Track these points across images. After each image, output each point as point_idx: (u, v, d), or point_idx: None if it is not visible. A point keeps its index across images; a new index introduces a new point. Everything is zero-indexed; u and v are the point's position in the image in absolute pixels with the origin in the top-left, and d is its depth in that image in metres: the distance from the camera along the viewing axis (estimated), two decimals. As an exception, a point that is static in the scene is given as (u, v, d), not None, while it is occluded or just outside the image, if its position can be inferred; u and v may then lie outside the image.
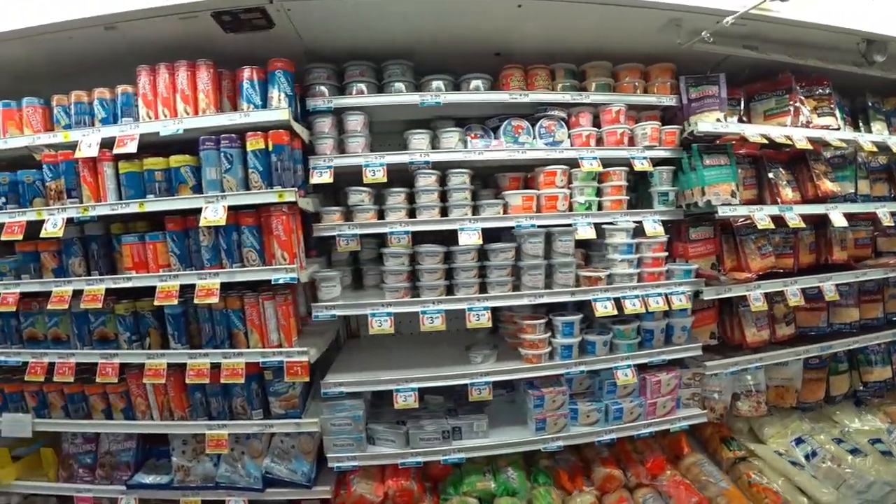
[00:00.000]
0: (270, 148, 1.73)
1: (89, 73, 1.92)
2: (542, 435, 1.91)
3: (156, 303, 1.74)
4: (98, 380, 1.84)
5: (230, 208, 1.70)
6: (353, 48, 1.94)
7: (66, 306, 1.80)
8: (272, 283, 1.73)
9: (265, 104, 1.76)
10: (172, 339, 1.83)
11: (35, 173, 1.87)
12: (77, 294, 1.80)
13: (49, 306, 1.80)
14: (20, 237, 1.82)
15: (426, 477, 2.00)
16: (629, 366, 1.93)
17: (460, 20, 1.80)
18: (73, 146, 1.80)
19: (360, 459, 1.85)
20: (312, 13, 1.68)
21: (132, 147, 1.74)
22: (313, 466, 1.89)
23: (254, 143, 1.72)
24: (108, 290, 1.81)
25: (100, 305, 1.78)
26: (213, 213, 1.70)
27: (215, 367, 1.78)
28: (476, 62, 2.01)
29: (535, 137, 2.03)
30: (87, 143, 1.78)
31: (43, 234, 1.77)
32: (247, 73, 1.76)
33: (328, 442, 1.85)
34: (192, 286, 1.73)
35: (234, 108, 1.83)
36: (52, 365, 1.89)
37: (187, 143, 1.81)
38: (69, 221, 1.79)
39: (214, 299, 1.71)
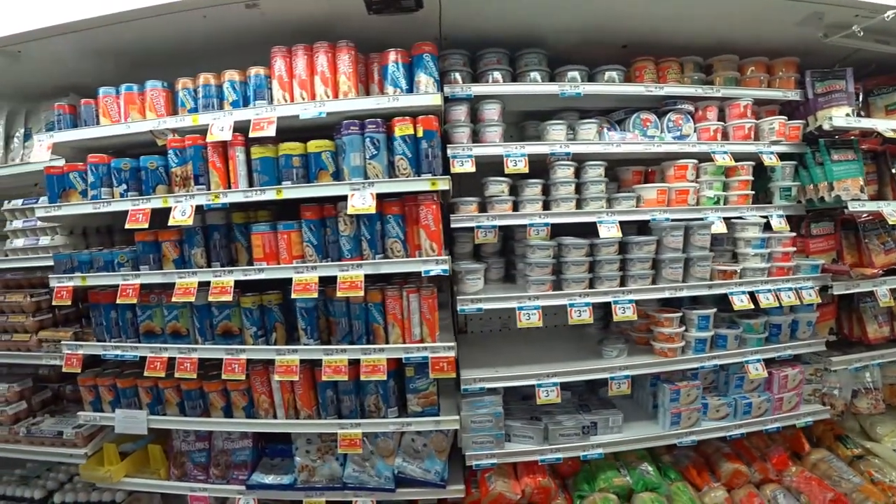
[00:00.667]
0: (420, 134, 1.63)
1: (209, 57, 1.80)
2: (676, 429, 1.85)
3: (294, 296, 1.62)
4: (224, 376, 1.72)
5: (376, 196, 1.58)
6: (485, 35, 1.84)
7: (192, 299, 1.67)
8: (422, 275, 1.65)
9: (411, 88, 1.66)
10: (304, 333, 1.72)
11: (159, 159, 1.74)
12: (202, 286, 1.68)
13: (174, 299, 1.67)
14: (145, 225, 1.68)
15: (554, 474, 1.93)
16: (759, 360, 1.89)
17: (597, 9, 1.72)
18: (201, 130, 1.70)
19: (499, 457, 1.76)
20: None
21: (270, 131, 1.61)
22: (446, 465, 1.81)
23: (403, 128, 1.62)
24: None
25: (229, 298, 1.66)
26: (361, 201, 1.60)
27: (352, 364, 1.66)
28: (602, 53, 1.94)
29: (662, 131, 1.97)
30: (219, 126, 1.65)
31: (171, 223, 1.65)
32: (392, 56, 1.65)
33: (467, 440, 1.76)
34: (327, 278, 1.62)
35: (368, 92, 1.73)
36: (171, 360, 1.77)
37: (312, 129, 1.70)
38: (195, 209, 1.65)
39: (359, 292, 1.60)
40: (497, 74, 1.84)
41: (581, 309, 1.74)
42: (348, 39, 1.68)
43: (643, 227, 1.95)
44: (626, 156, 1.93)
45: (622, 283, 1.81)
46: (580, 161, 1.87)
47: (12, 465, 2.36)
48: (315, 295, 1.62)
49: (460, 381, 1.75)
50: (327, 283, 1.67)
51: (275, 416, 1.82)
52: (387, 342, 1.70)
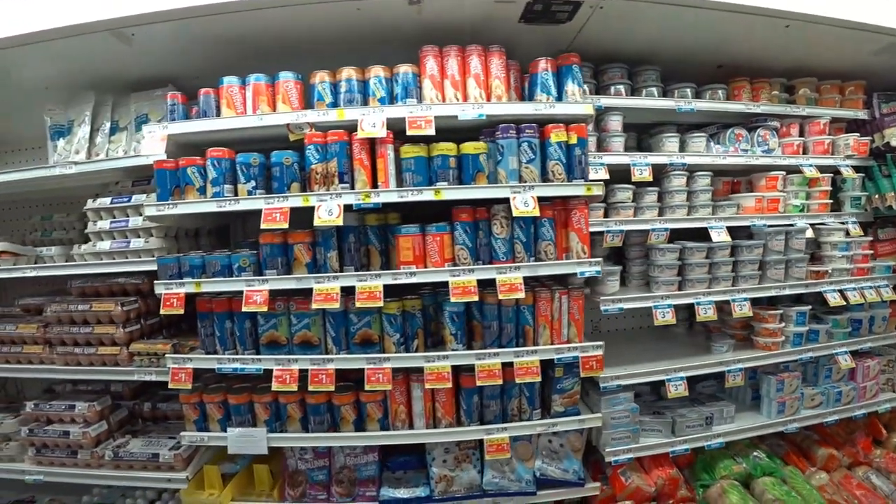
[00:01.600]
0: (574, 141, 1.61)
1: (329, 53, 1.68)
2: (781, 417, 1.95)
3: (453, 299, 1.53)
4: (368, 387, 1.59)
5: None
6: (608, 50, 1.86)
7: (336, 305, 1.54)
8: (578, 276, 1.62)
9: (560, 96, 1.66)
10: (454, 339, 1.62)
11: (293, 155, 1.60)
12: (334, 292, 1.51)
13: (314, 305, 1.53)
14: (284, 225, 1.53)
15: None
16: (846, 352, 2.03)
17: (709, 34, 1.80)
18: (345, 126, 1.58)
19: (634, 451, 1.76)
20: (617, 13, 1.59)
21: (430, 130, 1.53)
22: (581, 464, 1.79)
23: (558, 134, 1.59)
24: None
25: (379, 304, 1.53)
26: (524, 204, 1.54)
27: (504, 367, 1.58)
28: (696, 72, 2.04)
29: (752, 145, 2.10)
30: (371, 122, 1.54)
31: (317, 223, 1.50)
32: (542, 64, 1.63)
33: (606, 436, 1.74)
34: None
35: (517, 98, 1.68)
36: (303, 372, 1.62)
37: (445, 130, 1.60)
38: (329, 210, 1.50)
39: (519, 294, 1.55)
40: (620, 87, 1.88)
41: (706, 307, 1.79)
42: (497, 44, 1.63)
43: (736, 232, 1.99)
44: (722, 167, 2.03)
45: (733, 284, 1.89)
46: (690, 171, 1.94)
47: (73, 492, 2.05)
48: (475, 298, 1.55)
49: (598, 379, 1.74)
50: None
51: (411, 427, 1.70)
52: (535, 344, 1.68)
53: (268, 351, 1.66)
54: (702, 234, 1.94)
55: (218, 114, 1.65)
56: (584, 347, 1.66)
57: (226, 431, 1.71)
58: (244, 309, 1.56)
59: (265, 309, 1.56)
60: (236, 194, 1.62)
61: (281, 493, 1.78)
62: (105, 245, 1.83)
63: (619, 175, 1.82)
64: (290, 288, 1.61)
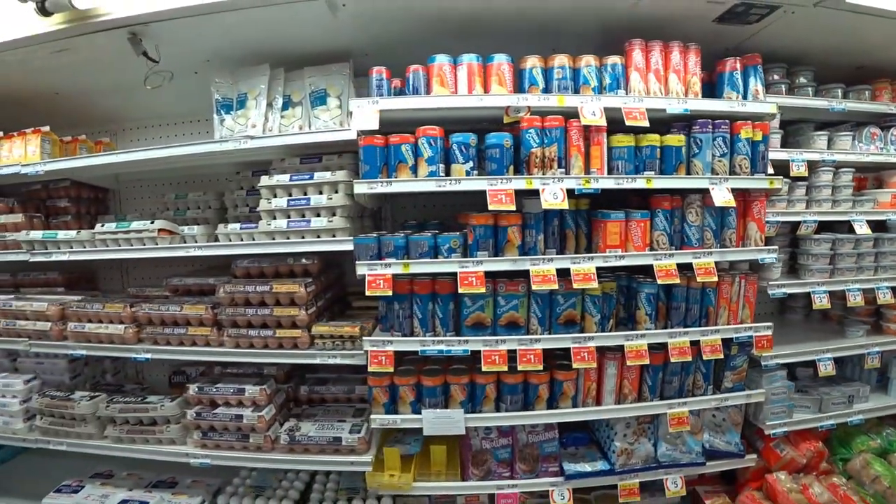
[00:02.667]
0: (759, 137, 1.74)
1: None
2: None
3: (659, 281, 1.62)
4: (575, 365, 1.65)
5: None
6: (768, 50, 1.89)
7: (554, 286, 1.58)
8: (759, 262, 1.75)
9: (745, 95, 1.76)
10: (648, 319, 1.71)
11: (511, 137, 1.61)
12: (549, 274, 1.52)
13: (534, 287, 1.57)
14: (511, 207, 1.55)
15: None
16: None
17: (858, 37, 1.89)
18: (562, 112, 1.61)
19: (789, 425, 1.92)
20: (803, 16, 1.67)
21: (644, 121, 1.61)
22: (740, 436, 1.93)
23: (746, 131, 1.72)
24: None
25: (594, 285, 1.60)
26: (722, 195, 1.65)
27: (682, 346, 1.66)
28: (836, 73, 2.13)
29: (885, 144, 2.26)
30: (591, 110, 1.59)
31: (545, 206, 1.53)
32: (731, 63, 1.74)
33: (766, 410, 1.89)
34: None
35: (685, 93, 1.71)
36: (511, 353, 1.64)
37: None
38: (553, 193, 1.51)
39: (713, 278, 1.67)
40: (782, 87, 1.99)
41: (855, 294, 1.99)
42: (686, 41, 1.70)
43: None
44: (858, 164, 2.14)
45: (875, 273, 2.07)
46: (836, 167, 2.09)
47: (153, 468, 2.01)
48: (676, 280, 1.65)
49: (758, 358, 1.85)
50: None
51: (598, 404, 1.78)
52: (715, 324, 1.78)
53: (471, 332, 1.68)
54: (831, 227, 2.10)
55: (427, 91, 1.64)
56: (757, 328, 1.80)
57: (416, 414, 1.72)
58: (461, 291, 1.57)
59: (482, 290, 1.58)
60: (448, 174, 1.63)
61: (464, 473, 1.81)
62: (282, 223, 1.75)
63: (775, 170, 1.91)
64: (499, 270, 1.63)
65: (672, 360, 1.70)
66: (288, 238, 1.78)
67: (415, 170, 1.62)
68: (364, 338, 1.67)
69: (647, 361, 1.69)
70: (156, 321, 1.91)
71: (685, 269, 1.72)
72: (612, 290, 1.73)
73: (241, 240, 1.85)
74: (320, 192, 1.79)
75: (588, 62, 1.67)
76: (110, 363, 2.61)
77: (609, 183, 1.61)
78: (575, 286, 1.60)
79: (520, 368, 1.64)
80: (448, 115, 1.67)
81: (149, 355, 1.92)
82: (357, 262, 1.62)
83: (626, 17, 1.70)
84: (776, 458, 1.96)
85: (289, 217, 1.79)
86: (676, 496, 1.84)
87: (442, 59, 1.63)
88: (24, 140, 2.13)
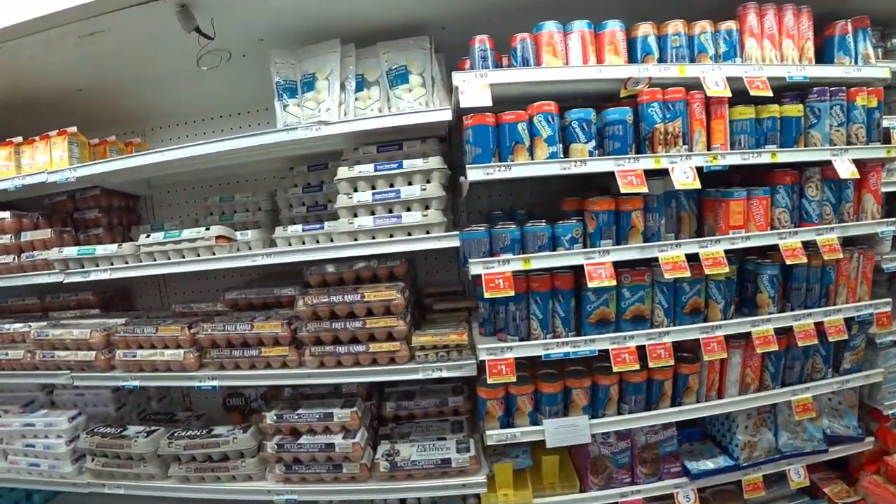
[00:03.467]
0: (874, 104, 1.57)
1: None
2: None
3: (788, 262, 1.45)
4: (706, 357, 1.45)
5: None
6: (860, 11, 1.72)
7: (686, 274, 1.37)
8: (879, 236, 1.60)
9: (856, 59, 1.61)
10: (771, 302, 1.53)
11: (632, 112, 1.38)
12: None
13: (667, 275, 1.36)
14: (643, 189, 1.32)
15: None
16: None
17: None
18: (682, 84, 1.41)
19: (901, 403, 1.84)
20: None
21: (767, 91, 1.41)
22: (857, 419, 1.81)
23: (862, 98, 1.54)
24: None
25: (725, 270, 1.40)
26: (844, 168, 1.48)
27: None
28: None
29: None
30: (713, 80, 1.38)
31: (679, 186, 1.34)
32: (842, 25, 1.56)
33: (883, 390, 1.74)
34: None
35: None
36: (640, 349, 1.43)
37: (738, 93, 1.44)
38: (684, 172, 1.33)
39: (838, 255, 1.50)
40: (878, 51, 1.78)
41: None
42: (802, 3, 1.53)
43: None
44: None
45: None
46: None
47: None
48: (804, 260, 1.47)
49: (873, 336, 1.71)
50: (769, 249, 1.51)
51: (720, 396, 1.61)
52: (835, 303, 1.63)
53: (595, 330, 1.45)
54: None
55: (536, 63, 1.39)
56: (876, 304, 1.65)
57: (534, 425, 1.49)
58: (591, 285, 1.34)
59: (612, 283, 1.35)
60: (566, 154, 1.40)
61: (584, 483, 1.59)
62: (367, 221, 1.50)
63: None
64: (625, 260, 1.41)
65: (799, 343, 1.54)
66: (373, 238, 1.53)
67: (531, 151, 1.37)
68: (479, 346, 1.42)
69: (775, 348, 1.50)
70: (221, 343, 1.61)
71: (807, 247, 1.53)
72: (732, 273, 1.54)
73: (317, 242, 1.58)
74: (409, 184, 1.52)
75: (703, 28, 1.45)
76: (155, 389, 2.32)
77: (735, 159, 1.41)
78: (706, 271, 1.39)
79: (651, 365, 1.44)
80: (555, 91, 1.41)
81: (216, 382, 1.60)
82: (470, 261, 1.36)
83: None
84: (894, 438, 1.86)
85: (373, 213, 1.53)
86: (800, 486, 1.71)
87: (551, 27, 1.39)
88: (48, 144, 1.76)
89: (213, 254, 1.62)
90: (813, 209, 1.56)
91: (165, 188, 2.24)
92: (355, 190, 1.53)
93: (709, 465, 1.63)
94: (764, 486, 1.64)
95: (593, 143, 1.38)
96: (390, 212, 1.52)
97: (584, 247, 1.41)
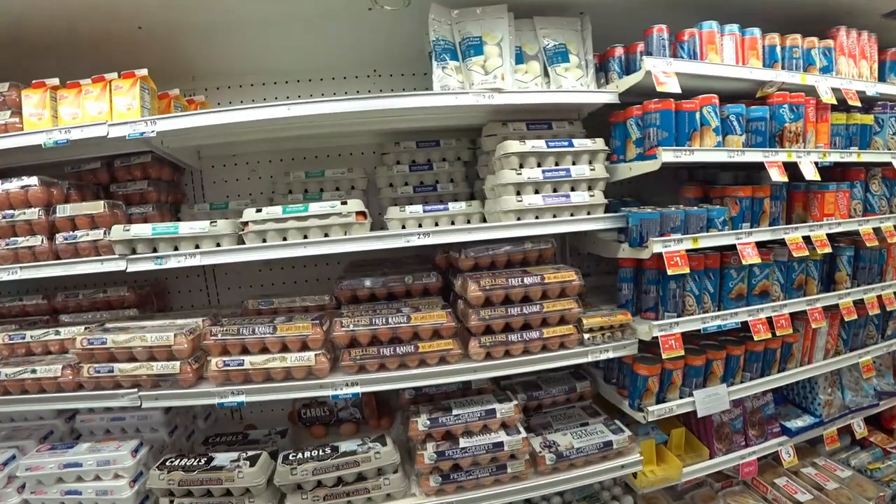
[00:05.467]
0: None
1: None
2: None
3: (868, 245, 1.90)
4: (814, 325, 1.83)
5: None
6: None
7: (805, 253, 1.72)
8: None
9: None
10: (849, 278, 1.98)
11: (768, 110, 1.69)
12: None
13: (795, 254, 1.70)
14: (785, 178, 1.63)
15: None
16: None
17: None
18: (800, 89, 1.75)
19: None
20: None
21: (857, 101, 1.84)
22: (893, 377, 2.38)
23: None
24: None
25: (829, 250, 1.80)
26: None
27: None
28: None
29: None
30: (824, 89, 1.76)
31: (808, 178, 1.67)
32: (891, 52, 2.07)
33: None
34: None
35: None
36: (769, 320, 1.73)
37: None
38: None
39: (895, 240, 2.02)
40: None
41: None
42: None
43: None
44: None
45: None
46: None
47: None
48: (877, 243, 1.94)
49: None
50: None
51: (809, 362, 2.01)
52: (885, 279, 2.13)
53: (733, 304, 1.72)
54: None
55: (699, 58, 1.62)
56: None
57: (685, 397, 1.71)
58: (745, 262, 1.60)
59: (758, 261, 1.63)
60: (725, 145, 1.63)
61: (711, 450, 1.87)
62: (537, 199, 1.55)
63: None
64: (766, 240, 1.72)
65: (869, 313, 2.02)
66: (536, 217, 1.63)
67: (700, 139, 1.59)
68: (653, 323, 1.57)
69: (855, 317, 1.97)
70: (363, 340, 1.51)
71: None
72: (822, 255, 2.01)
73: (435, 224, 1.62)
74: (573, 163, 1.62)
75: (812, 43, 1.83)
76: (201, 407, 2.03)
77: (835, 157, 1.81)
78: (819, 252, 1.79)
79: (778, 333, 1.79)
80: (707, 86, 1.63)
81: (357, 389, 1.48)
82: (651, 240, 1.51)
83: (818, 3, 1.91)
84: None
85: (536, 192, 1.58)
86: (862, 436, 2.19)
87: (712, 26, 1.63)
88: (106, 89, 1.46)
89: (346, 233, 1.54)
90: (876, 201, 2.07)
91: (221, 160, 2.00)
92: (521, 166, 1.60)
93: (799, 423, 2.04)
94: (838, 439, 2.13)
95: (745, 135, 1.66)
96: (554, 191, 1.63)
97: (731, 229, 1.70)
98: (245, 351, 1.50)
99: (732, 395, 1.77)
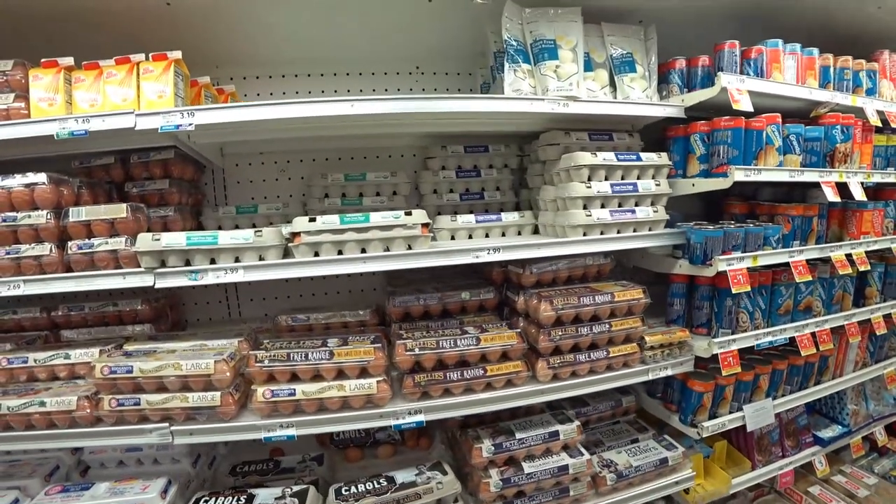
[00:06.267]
0: None
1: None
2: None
3: None
4: (851, 340, 1.95)
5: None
6: None
7: (849, 270, 1.82)
8: None
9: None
10: (878, 293, 2.12)
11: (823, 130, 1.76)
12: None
13: (840, 272, 1.79)
14: (838, 198, 1.69)
15: None
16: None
17: None
18: (851, 109, 1.83)
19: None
20: None
21: None
22: None
23: None
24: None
25: (868, 267, 1.89)
26: None
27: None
28: None
29: None
30: (871, 111, 1.85)
31: (858, 198, 1.75)
32: None
33: None
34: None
35: None
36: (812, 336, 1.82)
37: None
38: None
39: None
40: None
41: None
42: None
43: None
44: None
45: None
46: None
47: None
48: None
49: None
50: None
51: (841, 374, 2.12)
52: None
53: (781, 320, 1.79)
54: None
55: (765, 76, 1.64)
56: None
57: (734, 412, 1.76)
58: (797, 280, 1.67)
59: (809, 278, 1.70)
60: (785, 164, 1.68)
61: (752, 462, 1.94)
62: (605, 214, 1.53)
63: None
64: (814, 257, 1.78)
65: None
66: (601, 233, 1.61)
67: (764, 158, 1.62)
68: (713, 339, 1.61)
69: (885, 331, 2.11)
70: (427, 364, 1.42)
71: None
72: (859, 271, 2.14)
73: (486, 236, 1.65)
74: (638, 177, 1.62)
75: (861, 65, 1.92)
76: (222, 434, 1.87)
77: (877, 178, 1.93)
78: (860, 268, 1.92)
79: (821, 348, 1.88)
80: (770, 104, 1.66)
81: (421, 417, 1.39)
82: (718, 258, 1.54)
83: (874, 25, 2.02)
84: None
85: (602, 206, 1.56)
86: (883, 444, 2.35)
87: (777, 45, 1.65)
88: (133, 73, 1.30)
89: (409, 247, 1.44)
90: (901, 220, 2.23)
91: (246, 158, 1.85)
92: (589, 179, 1.57)
93: (829, 433, 2.17)
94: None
95: (803, 155, 1.72)
96: (619, 206, 1.62)
97: (783, 247, 1.76)
98: (295, 378, 1.39)
99: (777, 409, 1.86)
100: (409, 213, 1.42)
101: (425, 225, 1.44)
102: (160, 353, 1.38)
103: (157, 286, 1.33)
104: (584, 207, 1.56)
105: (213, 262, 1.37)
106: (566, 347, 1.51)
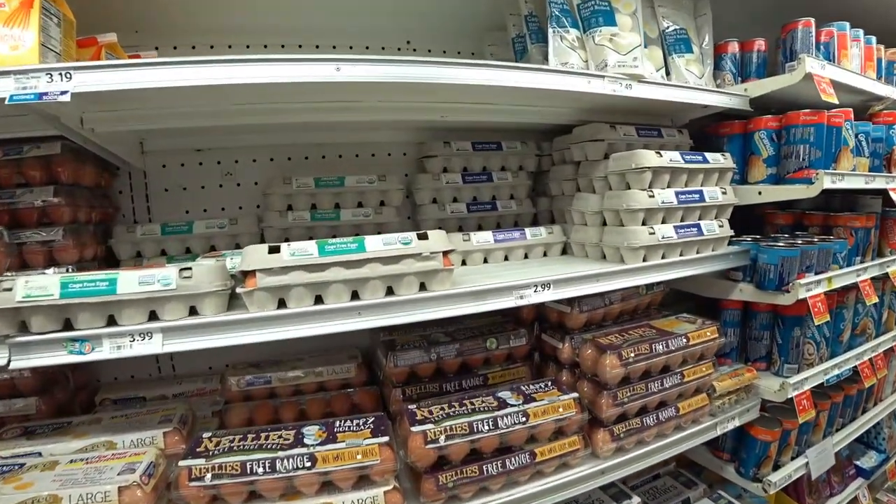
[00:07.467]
0: None
1: None
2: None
3: None
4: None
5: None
6: None
7: None
8: None
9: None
10: None
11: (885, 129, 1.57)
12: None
13: None
14: None
15: None
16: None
17: None
18: None
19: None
20: None
21: None
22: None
23: None
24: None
25: None
26: None
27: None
28: None
29: None
30: None
31: None
32: None
33: None
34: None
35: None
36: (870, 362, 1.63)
37: None
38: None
39: None
40: None
41: None
42: None
43: None
44: None
45: None
46: None
47: None
48: None
49: None
50: None
51: (880, 398, 1.97)
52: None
53: (840, 348, 1.59)
54: None
55: (835, 63, 1.41)
56: None
57: (795, 458, 1.53)
58: (867, 301, 1.46)
59: (875, 300, 1.51)
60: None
61: (801, 499, 1.73)
62: (669, 232, 1.21)
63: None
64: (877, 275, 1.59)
65: None
66: (663, 257, 1.28)
67: (839, 161, 1.39)
68: (786, 379, 1.35)
69: None
70: (455, 456, 1.00)
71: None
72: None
73: (545, 254, 1.36)
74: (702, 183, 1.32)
75: None
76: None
77: None
78: None
79: (878, 375, 1.72)
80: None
81: None
82: (797, 282, 1.28)
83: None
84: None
85: (663, 221, 1.24)
86: None
87: (845, 29, 1.45)
88: None
89: (423, 286, 1.01)
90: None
91: (177, 156, 1.33)
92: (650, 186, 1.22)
93: (869, 462, 2.04)
94: None
95: (871, 159, 1.53)
96: (682, 220, 1.31)
97: (847, 264, 1.55)
98: (255, 497, 0.94)
99: (835, 448, 1.68)
100: (423, 237, 1.02)
101: (447, 253, 1.05)
102: (31, 468, 0.88)
103: (12, 365, 0.84)
104: (644, 223, 1.25)
105: (112, 321, 0.89)
106: (633, 411, 1.18)
